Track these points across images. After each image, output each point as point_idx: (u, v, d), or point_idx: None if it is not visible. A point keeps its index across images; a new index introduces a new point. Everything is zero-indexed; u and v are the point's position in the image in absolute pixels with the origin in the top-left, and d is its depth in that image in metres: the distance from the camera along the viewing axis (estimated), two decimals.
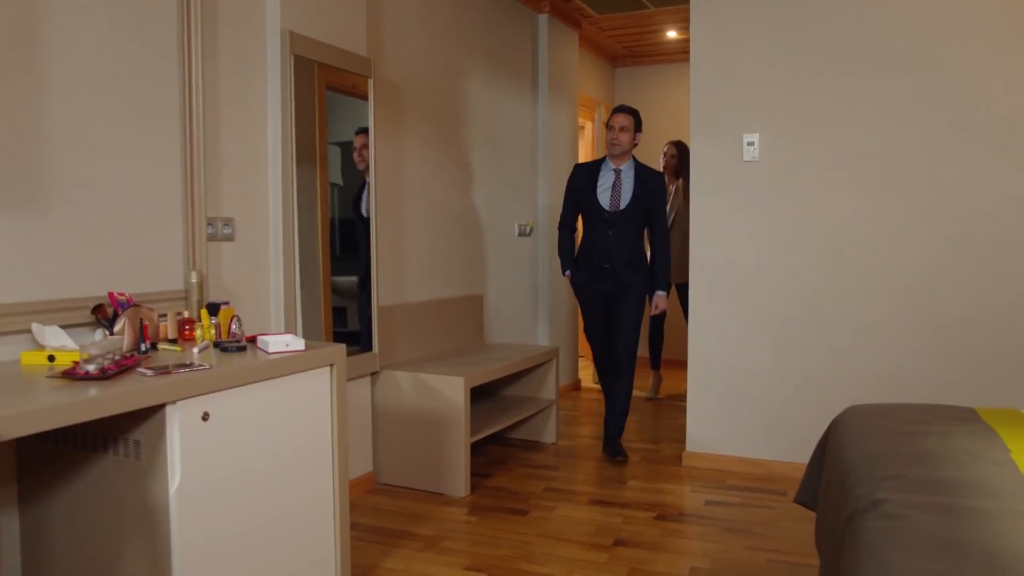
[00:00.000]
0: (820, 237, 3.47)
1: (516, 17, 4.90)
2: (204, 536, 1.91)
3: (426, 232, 3.97)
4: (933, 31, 3.24)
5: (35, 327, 2.05)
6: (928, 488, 1.43)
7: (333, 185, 3.34)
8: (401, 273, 3.77)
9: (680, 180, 5.12)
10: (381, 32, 3.59)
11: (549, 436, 4.21)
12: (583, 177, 3.86)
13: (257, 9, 2.85)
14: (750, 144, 3.55)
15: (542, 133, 5.20)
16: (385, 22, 3.62)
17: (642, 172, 3.79)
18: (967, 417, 2.00)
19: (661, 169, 5.11)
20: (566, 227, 3.98)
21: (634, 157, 3.82)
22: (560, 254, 3.99)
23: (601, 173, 3.82)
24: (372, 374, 3.47)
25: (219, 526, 1.95)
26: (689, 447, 3.78)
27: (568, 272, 3.95)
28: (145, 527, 1.87)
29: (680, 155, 5.09)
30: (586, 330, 4.00)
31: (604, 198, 3.77)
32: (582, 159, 6.14)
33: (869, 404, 2.28)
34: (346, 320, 3.44)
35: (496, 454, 3.99)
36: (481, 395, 4.24)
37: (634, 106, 4.34)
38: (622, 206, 3.73)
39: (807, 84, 3.45)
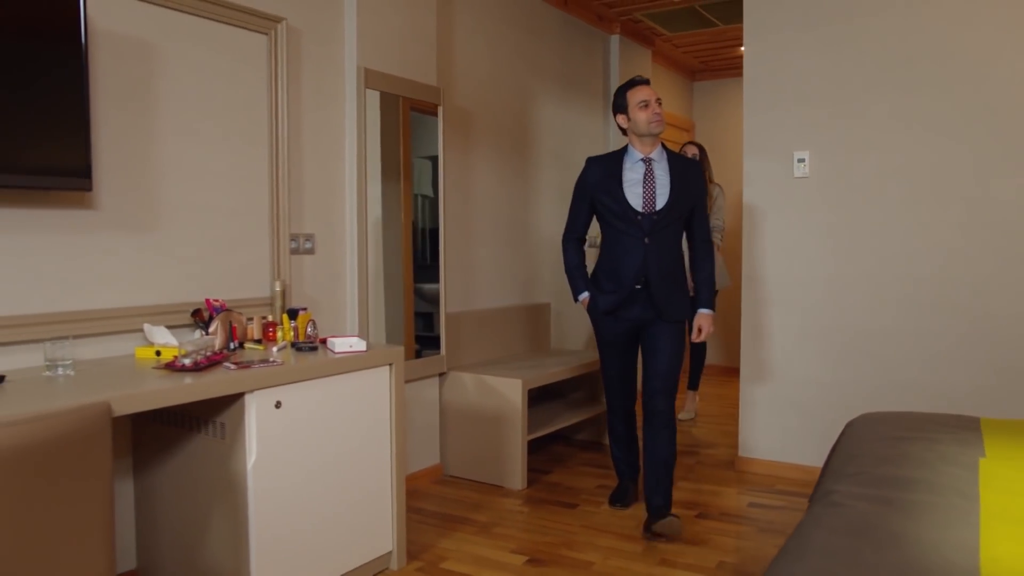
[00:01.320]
0: (869, 251, 3.56)
1: (587, 39, 5.15)
2: (275, 504, 2.26)
3: (494, 244, 4.27)
4: (981, 48, 3.29)
5: (146, 327, 2.47)
6: (880, 483, 1.61)
7: (424, 197, 3.69)
8: (470, 282, 4.08)
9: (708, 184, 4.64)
10: (452, 61, 3.92)
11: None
12: (601, 172, 3.06)
13: (336, 50, 3.23)
14: (800, 161, 3.68)
15: (612, 148, 5.41)
16: (456, 52, 3.95)
17: (677, 161, 3.07)
18: (967, 426, 2.12)
19: None
20: (574, 238, 3.21)
21: (662, 143, 3.10)
22: (569, 273, 3.18)
23: (626, 166, 3.03)
24: (440, 374, 3.80)
25: (288, 497, 2.30)
26: (741, 452, 3.92)
27: (585, 295, 3.14)
28: (228, 495, 2.24)
29: (703, 157, 4.67)
30: (607, 373, 3.23)
31: (634, 196, 2.98)
32: None
33: (883, 412, 2.42)
34: (433, 325, 3.79)
35: (558, 452, 4.25)
36: (547, 396, 4.50)
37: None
38: (659, 205, 2.97)
39: (855, 102, 3.55)
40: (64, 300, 2.33)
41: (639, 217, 2.98)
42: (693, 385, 5.04)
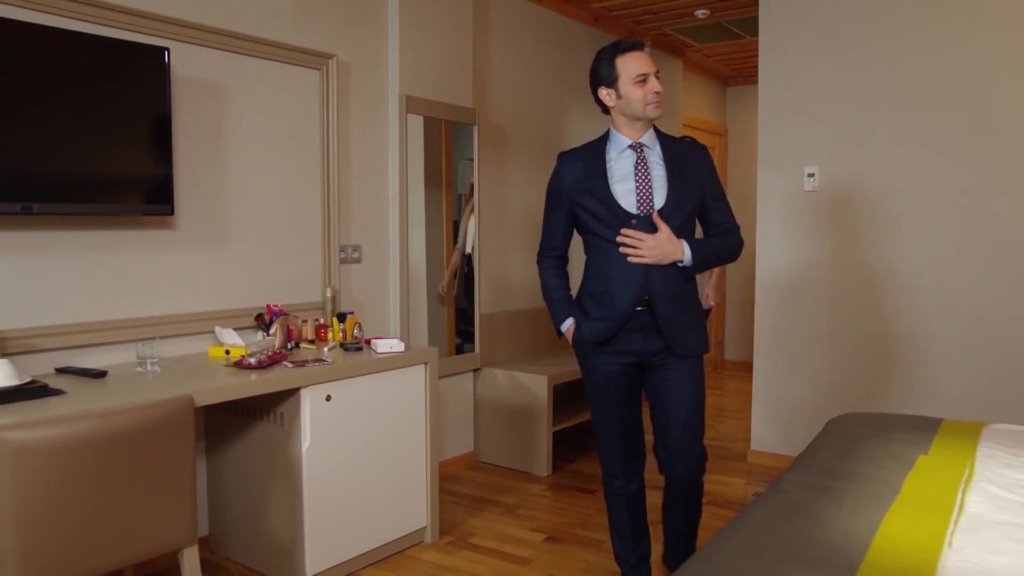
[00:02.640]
0: (873, 261, 3.80)
1: None
2: (325, 483, 2.66)
3: (525, 250, 4.61)
4: (981, 73, 3.50)
5: (217, 329, 2.89)
6: (824, 475, 1.92)
7: (466, 196, 4.06)
8: (503, 285, 4.44)
9: None
10: (487, 81, 4.27)
11: None
12: (579, 169, 2.36)
13: (381, 79, 3.60)
14: (810, 175, 3.93)
15: None
16: (491, 72, 4.30)
17: (675, 146, 2.36)
18: (927, 427, 2.40)
19: None
20: (552, 256, 2.51)
21: (654, 126, 2.36)
22: (547, 298, 2.49)
23: (611, 156, 2.33)
24: (474, 370, 4.17)
25: (336, 477, 2.69)
26: (753, 446, 4.21)
27: (569, 323, 2.42)
28: (286, 474, 2.64)
29: None
30: (601, 427, 2.48)
31: (625, 193, 2.28)
32: None
33: (860, 412, 2.71)
34: (472, 319, 4.16)
35: (583, 442, 4.59)
36: (574, 390, 4.83)
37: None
38: (658, 204, 2.27)
39: (863, 121, 3.79)
40: (151, 306, 2.75)
41: (634, 221, 2.25)
42: None
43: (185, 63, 2.80)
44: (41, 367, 2.47)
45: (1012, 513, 1.66)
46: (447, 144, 3.86)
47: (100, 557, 1.98)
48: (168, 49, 2.64)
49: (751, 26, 5.23)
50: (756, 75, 6.85)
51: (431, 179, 3.80)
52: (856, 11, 3.78)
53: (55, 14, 2.44)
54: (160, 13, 2.71)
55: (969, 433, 2.29)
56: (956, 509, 1.67)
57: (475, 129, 4.02)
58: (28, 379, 2.16)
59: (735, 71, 6.77)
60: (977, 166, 3.54)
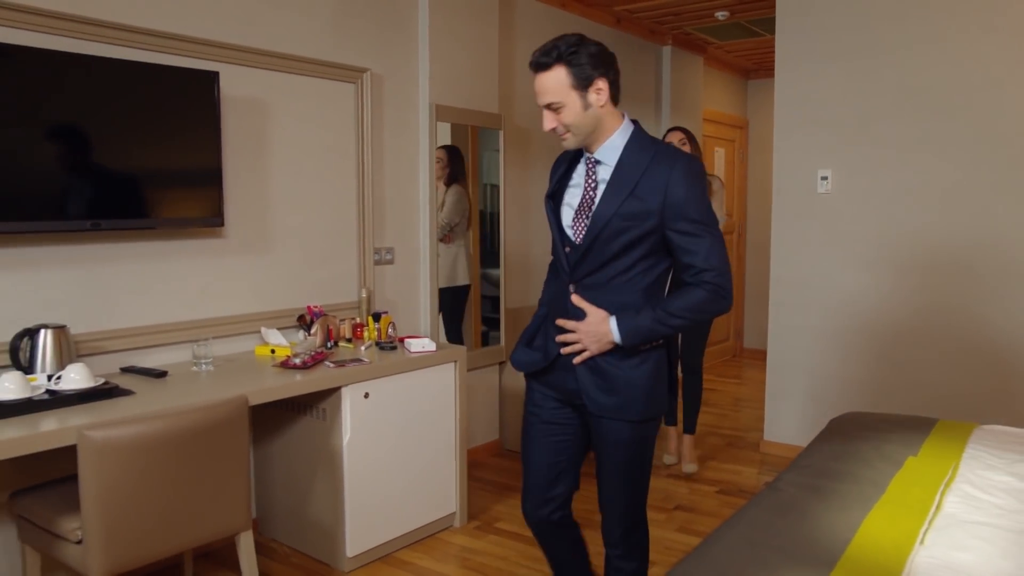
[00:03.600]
0: (883, 260, 3.95)
1: (639, 52, 5.57)
2: (364, 473, 2.90)
3: (549, 246, 4.80)
4: (989, 81, 3.62)
5: (263, 329, 3.13)
6: (818, 474, 2.11)
7: (491, 185, 4.25)
8: (527, 281, 4.64)
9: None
10: (512, 85, 4.45)
11: None
12: (556, 174, 2.06)
13: (412, 90, 3.80)
14: (823, 179, 4.08)
15: None
16: (516, 76, 4.47)
17: (640, 157, 1.88)
18: (920, 427, 2.58)
19: None
20: (551, 265, 2.14)
21: (635, 126, 1.96)
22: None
23: (577, 168, 2.00)
24: (500, 363, 4.39)
25: (374, 466, 2.93)
26: (766, 436, 4.40)
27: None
28: (328, 464, 2.88)
29: (694, 147, 3.81)
30: (522, 459, 2.17)
31: (568, 214, 1.97)
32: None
33: (860, 412, 2.89)
34: (497, 307, 4.38)
35: None
36: None
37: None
38: (595, 231, 1.88)
39: (874, 127, 3.93)
40: (202, 309, 3.00)
41: (567, 249, 1.95)
42: (688, 428, 4.06)
43: (232, 84, 3.02)
44: (108, 367, 2.72)
45: (984, 513, 1.85)
46: (473, 141, 4.08)
47: (169, 540, 2.23)
48: (218, 72, 2.86)
49: (770, 25, 5.33)
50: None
51: (455, 177, 4.02)
52: (869, 21, 3.90)
53: (119, 44, 2.66)
54: (210, 39, 2.92)
55: (959, 434, 2.46)
56: (933, 509, 1.86)
57: (501, 133, 4.20)
58: (102, 380, 2.41)
59: (756, 64, 6.87)
60: (984, 172, 3.67)
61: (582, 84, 1.83)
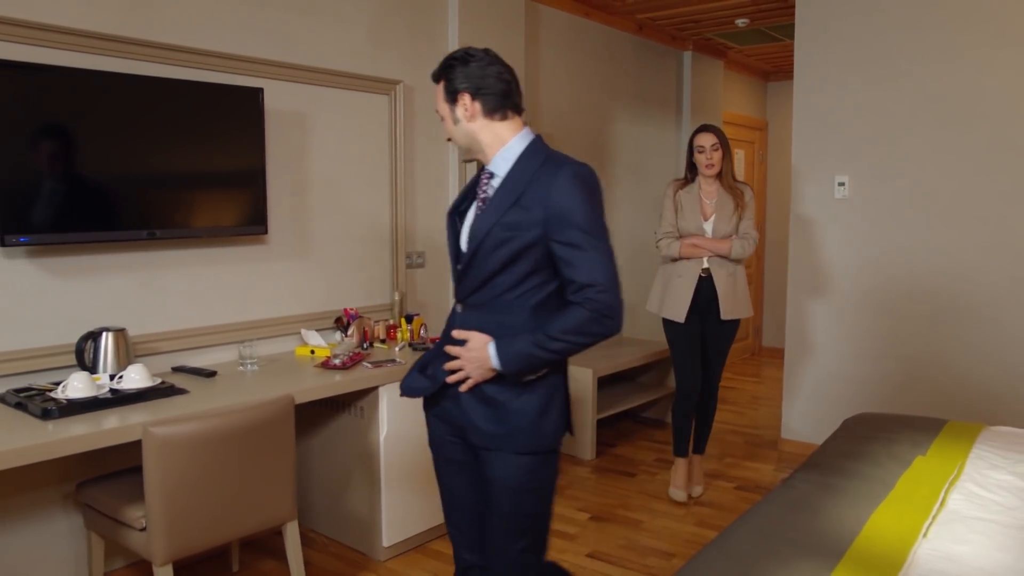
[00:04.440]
0: (898, 265, 4.06)
1: (660, 58, 5.69)
2: (399, 467, 3.07)
3: None
4: (1003, 92, 3.72)
5: (303, 331, 3.30)
6: (830, 472, 2.25)
7: None
8: None
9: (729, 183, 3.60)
10: (538, 93, 4.59)
11: (671, 417, 5.07)
12: (462, 192, 1.97)
13: None
14: (841, 184, 4.19)
15: (684, 157, 5.96)
16: (541, 85, 4.62)
17: (526, 165, 1.80)
18: (929, 428, 2.70)
19: (700, 173, 3.58)
20: None
21: (534, 136, 1.87)
22: None
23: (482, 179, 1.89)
24: None
25: (409, 461, 3.10)
26: (784, 434, 4.52)
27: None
28: (366, 459, 3.06)
29: (726, 150, 3.57)
30: (444, 508, 2.09)
31: (465, 230, 1.89)
32: None
33: (873, 413, 3.02)
34: None
35: (626, 429, 4.95)
36: (619, 380, 5.18)
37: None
38: (474, 244, 1.81)
39: (890, 135, 4.03)
40: (248, 311, 3.18)
41: (458, 267, 1.87)
42: (698, 448, 3.91)
43: (274, 98, 3.19)
44: (160, 367, 2.90)
45: (986, 510, 1.98)
46: None
47: (223, 529, 2.41)
48: (263, 88, 3.04)
49: (790, 31, 5.43)
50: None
51: None
52: (885, 32, 4.01)
53: (172, 64, 2.84)
54: (255, 56, 3.09)
55: (967, 435, 2.59)
56: (937, 505, 1.99)
57: None
58: (159, 380, 2.59)
59: (775, 67, 6.96)
60: (999, 180, 3.77)
61: (451, 99, 1.84)
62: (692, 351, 3.67)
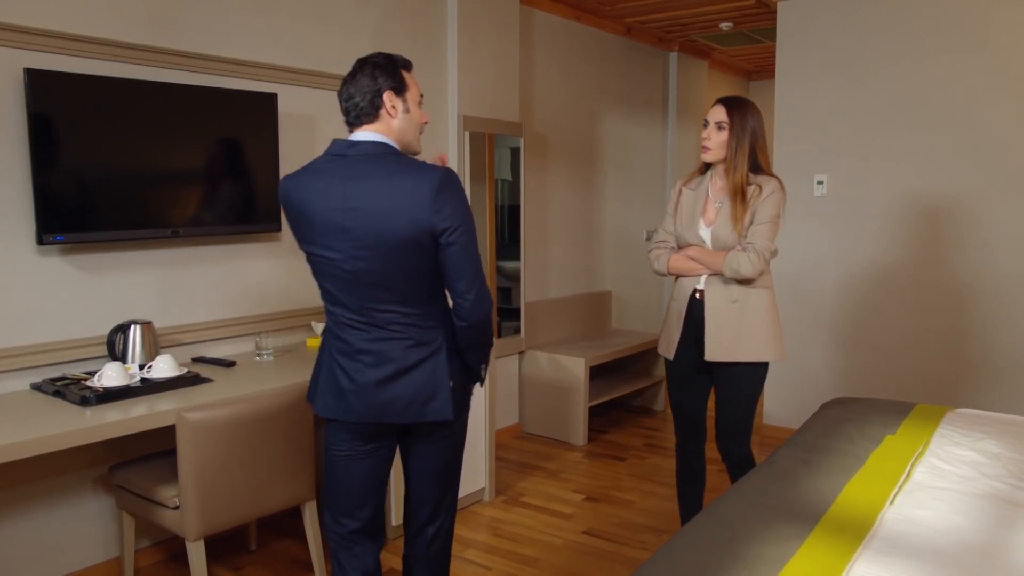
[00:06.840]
0: (873, 259, 4.30)
1: (647, 59, 5.90)
2: None
3: (565, 243, 5.15)
4: (970, 97, 3.96)
5: (313, 323, 3.49)
6: (808, 450, 2.47)
7: (504, 181, 4.58)
8: (545, 276, 5.00)
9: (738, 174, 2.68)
10: (532, 95, 4.78)
11: (659, 405, 5.31)
12: None
13: (442, 102, 4.14)
14: (819, 183, 4.42)
15: (670, 153, 6.19)
16: (535, 87, 4.81)
17: (389, 164, 1.92)
18: (899, 410, 2.92)
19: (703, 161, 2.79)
20: None
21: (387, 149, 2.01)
22: None
23: None
24: (520, 353, 4.74)
25: None
26: (765, 420, 4.76)
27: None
28: None
29: (739, 133, 2.82)
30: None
31: None
32: None
33: (848, 397, 3.24)
34: (512, 298, 4.73)
35: (616, 416, 5.17)
36: (610, 369, 5.40)
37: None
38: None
39: (867, 136, 4.27)
40: (263, 305, 3.35)
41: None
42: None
43: (286, 102, 3.36)
44: (182, 357, 3.07)
45: (946, 481, 2.20)
46: (489, 140, 4.38)
47: (250, 506, 2.60)
48: (277, 94, 3.21)
49: (771, 33, 5.65)
50: None
51: (476, 173, 4.33)
52: (862, 38, 4.24)
53: (192, 71, 3.00)
54: (269, 62, 3.26)
55: (933, 417, 2.81)
56: (903, 477, 2.21)
57: (521, 140, 4.54)
58: (185, 370, 2.77)
59: (757, 67, 7.19)
60: (966, 179, 4.01)
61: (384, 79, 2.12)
62: (684, 395, 2.88)
